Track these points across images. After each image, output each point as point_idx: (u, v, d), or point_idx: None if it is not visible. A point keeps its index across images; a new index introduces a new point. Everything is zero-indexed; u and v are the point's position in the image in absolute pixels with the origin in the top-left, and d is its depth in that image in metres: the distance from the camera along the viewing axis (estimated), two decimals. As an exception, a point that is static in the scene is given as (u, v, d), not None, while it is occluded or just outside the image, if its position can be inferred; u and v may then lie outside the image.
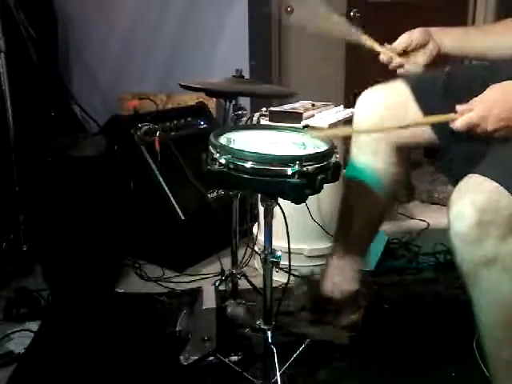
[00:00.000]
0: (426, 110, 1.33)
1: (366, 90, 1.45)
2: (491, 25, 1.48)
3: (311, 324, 1.54)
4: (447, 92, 1.32)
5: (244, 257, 2.03)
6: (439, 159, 1.40)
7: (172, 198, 2.08)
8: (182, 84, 1.47)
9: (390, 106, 1.38)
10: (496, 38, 1.36)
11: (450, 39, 1.35)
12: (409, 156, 1.51)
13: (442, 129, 1.30)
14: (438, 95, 1.33)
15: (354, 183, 1.46)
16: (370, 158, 1.42)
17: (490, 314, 1.01)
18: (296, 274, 1.76)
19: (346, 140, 1.56)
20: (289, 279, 1.33)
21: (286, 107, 2.03)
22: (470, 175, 1.02)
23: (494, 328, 1.02)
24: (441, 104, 1.30)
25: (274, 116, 1.95)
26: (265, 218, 1.26)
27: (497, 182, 0.97)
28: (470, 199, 0.97)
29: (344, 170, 1.46)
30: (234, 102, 1.52)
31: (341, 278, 1.53)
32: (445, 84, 1.33)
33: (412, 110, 1.35)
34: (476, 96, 1.18)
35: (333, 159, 1.17)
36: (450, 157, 1.32)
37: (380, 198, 1.45)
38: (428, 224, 2.49)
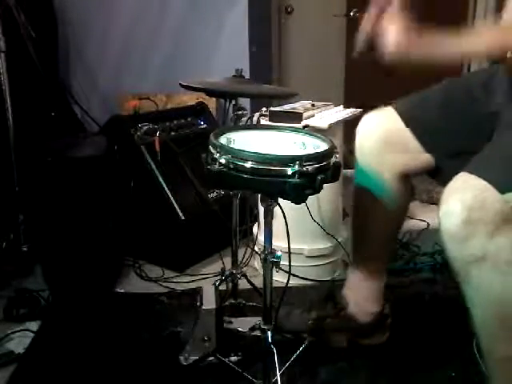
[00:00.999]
0: (421, 134, 1.35)
1: (363, 118, 1.47)
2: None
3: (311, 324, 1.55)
4: (444, 107, 1.33)
5: (244, 257, 2.03)
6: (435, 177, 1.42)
7: (172, 198, 2.08)
8: (183, 84, 1.46)
9: (388, 133, 1.40)
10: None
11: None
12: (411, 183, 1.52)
13: (437, 150, 1.33)
14: (432, 116, 1.35)
15: (365, 195, 1.46)
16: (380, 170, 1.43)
17: (483, 310, 1.01)
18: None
19: (348, 141, 1.56)
20: (289, 279, 1.33)
21: (286, 107, 2.03)
22: (460, 174, 1.03)
23: (488, 324, 1.02)
24: (436, 123, 1.32)
25: (274, 116, 1.95)
26: (265, 218, 1.26)
27: (484, 179, 0.98)
28: (458, 197, 0.98)
29: (344, 170, 1.47)
30: (233, 102, 1.52)
31: (363, 299, 1.53)
32: (441, 99, 1.35)
33: (408, 137, 1.37)
34: (479, 101, 1.19)
35: (333, 159, 1.17)
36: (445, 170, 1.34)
37: (391, 216, 1.46)
38: (428, 224, 2.49)
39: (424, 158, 1.37)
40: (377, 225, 1.48)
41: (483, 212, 0.95)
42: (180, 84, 1.48)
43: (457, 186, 1.01)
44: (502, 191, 0.96)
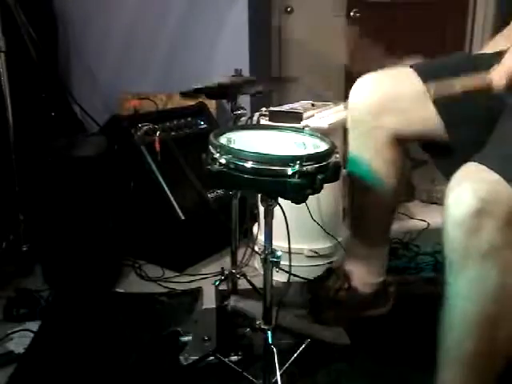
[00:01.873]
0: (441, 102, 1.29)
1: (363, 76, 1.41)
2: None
3: (311, 324, 1.55)
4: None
5: (244, 257, 2.03)
6: (439, 157, 1.37)
7: (172, 198, 2.08)
8: (183, 92, 1.46)
9: (394, 94, 1.35)
10: None
11: None
12: (408, 152, 1.49)
13: (452, 117, 1.29)
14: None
15: (358, 182, 1.46)
16: (369, 155, 1.41)
17: (474, 304, 0.99)
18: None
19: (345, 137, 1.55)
20: (289, 279, 1.33)
21: (286, 107, 2.03)
22: (471, 163, 1.00)
23: (469, 319, 1.00)
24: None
25: (274, 116, 1.95)
26: (265, 218, 1.26)
27: (498, 173, 0.96)
28: (472, 187, 0.95)
29: (344, 170, 1.46)
30: (233, 102, 1.52)
31: (365, 271, 1.52)
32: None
33: (422, 101, 1.30)
34: None
35: (333, 159, 1.17)
36: (452, 152, 1.30)
37: (384, 197, 1.44)
38: (428, 224, 2.49)
39: (431, 124, 1.31)
40: (372, 208, 1.47)
41: (495, 206, 0.93)
42: (180, 93, 1.48)
43: (468, 175, 0.98)
44: None
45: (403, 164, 1.45)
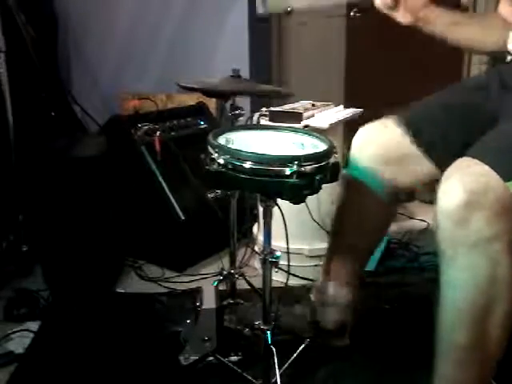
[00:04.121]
0: (426, 144, 1.33)
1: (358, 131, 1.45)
2: (481, 16, 1.49)
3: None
4: (447, 114, 1.32)
5: (244, 257, 2.03)
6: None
7: (172, 198, 2.08)
8: (180, 84, 1.46)
9: (389, 146, 1.38)
10: (483, 32, 1.38)
11: (441, 23, 1.37)
12: None
13: (444, 160, 1.31)
14: (436, 123, 1.33)
15: (356, 187, 1.45)
16: (376, 166, 1.42)
17: (463, 293, 1.00)
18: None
19: (348, 141, 1.55)
20: (288, 279, 1.33)
21: (286, 107, 2.03)
22: (463, 158, 1.02)
23: (462, 309, 1.01)
24: (440, 130, 1.31)
25: (273, 116, 1.95)
26: (264, 218, 1.26)
27: (488, 165, 0.97)
28: (461, 179, 0.97)
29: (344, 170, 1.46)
30: (231, 102, 1.52)
31: (333, 309, 1.51)
32: (442, 109, 1.34)
33: (408, 148, 1.35)
34: (479, 106, 1.18)
35: (332, 159, 1.17)
36: None
37: (383, 206, 1.44)
38: (428, 224, 2.48)
39: (426, 169, 1.34)
40: (366, 213, 1.46)
41: (484, 197, 0.95)
42: (178, 84, 1.48)
43: (459, 169, 1.00)
44: (506, 178, 0.96)
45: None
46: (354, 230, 1.48)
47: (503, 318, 1.00)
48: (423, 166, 1.34)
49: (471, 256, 0.97)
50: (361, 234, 1.48)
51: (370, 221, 1.47)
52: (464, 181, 0.97)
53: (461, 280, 1.00)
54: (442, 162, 1.30)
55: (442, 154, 1.29)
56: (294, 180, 1.08)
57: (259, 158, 1.10)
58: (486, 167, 0.97)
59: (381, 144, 1.39)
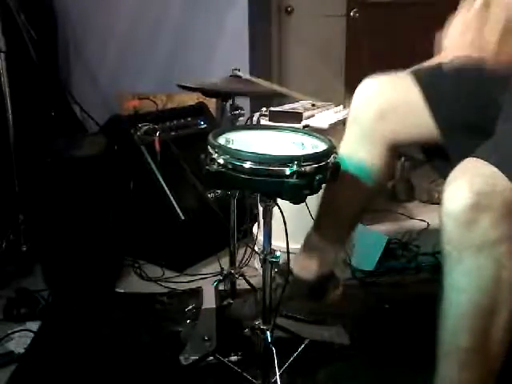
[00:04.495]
0: (436, 109, 1.30)
1: (368, 78, 1.41)
2: None
3: (310, 324, 1.55)
4: (459, 81, 1.28)
5: (244, 257, 2.03)
6: (437, 160, 1.39)
7: (172, 198, 2.08)
8: (179, 84, 1.47)
9: (394, 102, 1.36)
10: None
11: None
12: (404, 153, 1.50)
13: (446, 123, 1.29)
14: (448, 87, 1.29)
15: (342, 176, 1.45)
16: (362, 154, 1.41)
17: (467, 296, 0.99)
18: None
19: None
20: (287, 279, 1.33)
21: (286, 107, 2.03)
22: (469, 159, 1.00)
23: (466, 312, 1.00)
24: (453, 106, 1.29)
25: (273, 116, 1.95)
26: (264, 218, 1.26)
27: (496, 166, 0.96)
28: (468, 181, 0.96)
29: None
30: (230, 102, 1.52)
31: (311, 261, 1.50)
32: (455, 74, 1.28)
33: (418, 109, 1.32)
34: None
35: (331, 159, 1.17)
36: (448, 155, 1.31)
37: (367, 187, 1.44)
38: (428, 224, 2.49)
39: (427, 132, 1.32)
40: (350, 193, 1.43)
41: (491, 199, 0.93)
42: (177, 84, 1.48)
43: (465, 170, 0.99)
44: None
45: (393, 167, 1.46)
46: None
47: (507, 321, 1.00)
48: (425, 123, 1.31)
49: (477, 258, 0.96)
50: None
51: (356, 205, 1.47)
52: (471, 182, 0.95)
53: (465, 282, 0.99)
54: (445, 125, 1.29)
55: (448, 115, 1.28)
56: (293, 180, 1.08)
57: (259, 158, 1.10)
58: (494, 168, 0.96)
59: (389, 94, 1.37)
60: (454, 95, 1.29)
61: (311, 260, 1.50)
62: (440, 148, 1.33)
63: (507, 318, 0.99)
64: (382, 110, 1.36)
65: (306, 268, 1.50)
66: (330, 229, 1.50)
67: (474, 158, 1.00)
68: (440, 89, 1.32)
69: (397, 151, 1.44)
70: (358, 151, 1.41)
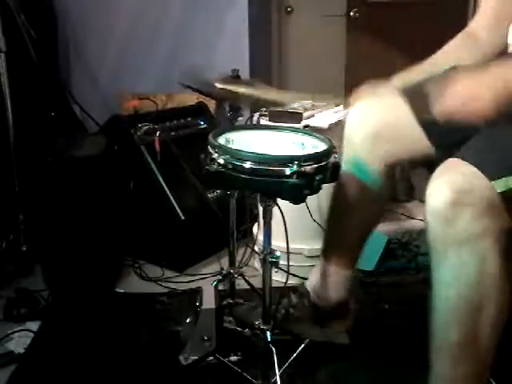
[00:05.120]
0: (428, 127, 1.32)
1: (358, 102, 1.43)
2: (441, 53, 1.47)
3: (310, 324, 1.55)
4: None
5: (244, 257, 2.03)
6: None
7: (172, 198, 2.08)
8: (182, 83, 1.47)
9: (386, 122, 1.37)
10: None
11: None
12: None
13: (440, 139, 1.31)
14: None
15: (350, 181, 1.45)
16: (370, 158, 1.42)
17: (454, 290, 1.02)
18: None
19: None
20: (287, 279, 1.33)
21: (286, 107, 2.03)
22: (450, 159, 1.04)
23: (453, 306, 1.03)
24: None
25: (273, 116, 1.95)
26: (264, 218, 1.26)
27: (474, 165, 0.99)
28: (448, 179, 0.99)
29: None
30: (230, 102, 1.52)
31: (327, 286, 1.52)
32: None
33: (411, 127, 1.34)
34: None
35: (331, 159, 1.17)
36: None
37: (378, 197, 1.45)
38: (428, 224, 2.48)
39: (421, 148, 1.34)
40: (359, 212, 1.46)
41: (471, 196, 0.97)
42: (181, 83, 1.48)
43: (446, 169, 1.03)
44: (491, 178, 0.98)
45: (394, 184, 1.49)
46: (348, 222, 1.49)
47: (495, 314, 1.02)
48: (419, 139, 1.33)
49: (460, 253, 0.99)
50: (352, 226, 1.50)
51: (360, 216, 1.48)
52: (451, 180, 0.99)
53: (452, 277, 1.02)
54: (439, 141, 1.31)
55: (440, 132, 1.27)
56: (294, 180, 1.08)
57: (259, 158, 1.10)
58: (472, 168, 0.99)
59: (378, 119, 1.38)
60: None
61: (327, 287, 1.52)
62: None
63: (494, 312, 1.02)
64: (375, 131, 1.38)
65: (322, 296, 1.52)
66: (340, 257, 1.51)
67: (455, 159, 1.03)
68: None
69: (395, 168, 1.46)
70: (366, 158, 1.42)
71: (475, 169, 0.99)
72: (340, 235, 1.52)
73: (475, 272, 0.99)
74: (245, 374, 1.40)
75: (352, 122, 1.43)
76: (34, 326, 1.71)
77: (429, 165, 1.40)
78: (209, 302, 1.55)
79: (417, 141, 1.35)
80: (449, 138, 1.28)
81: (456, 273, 1.01)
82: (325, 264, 1.53)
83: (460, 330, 1.04)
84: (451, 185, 0.98)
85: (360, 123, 1.41)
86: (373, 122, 1.39)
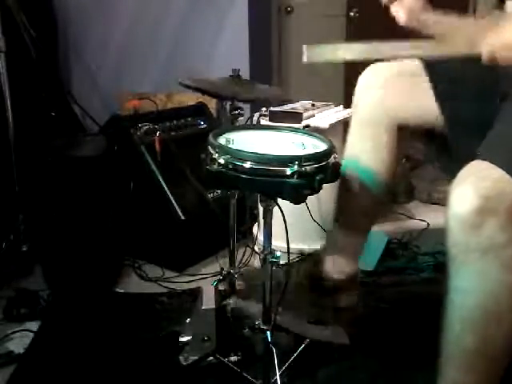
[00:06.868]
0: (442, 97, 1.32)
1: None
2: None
3: (310, 324, 1.55)
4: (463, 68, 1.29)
5: (244, 257, 2.03)
6: (440, 158, 1.39)
7: (172, 198, 2.08)
8: (182, 82, 1.46)
9: (399, 71, 1.39)
10: None
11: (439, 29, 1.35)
12: (405, 147, 1.50)
13: (452, 115, 1.30)
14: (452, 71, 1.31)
15: (349, 176, 1.46)
16: (366, 155, 1.42)
17: (473, 299, 1.00)
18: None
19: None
20: (287, 279, 1.33)
21: (286, 107, 2.03)
22: (476, 161, 1.00)
23: (471, 315, 1.01)
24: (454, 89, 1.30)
25: (273, 116, 1.95)
26: (264, 218, 1.26)
27: (503, 169, 0.96)
28: (475, 184, 0.96)
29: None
30: (230, 102, 1.52)
31: (342, 259, 1.53)
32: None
33: (422, 89, 1.34)
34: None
35: (332, 159, 1.17)
36: (453, 155, 1.31)
37: (374, 192, 1.45)
38: (428, 224, 2.48)
39: (431, 118, 1.34)
40: (360, 198, 1.48)
41: (499, 203, 0.93)
42: (180, 82, 1.48)
43: (473, 172, 0.99)
44: None
45: (398, 157, 1.48)
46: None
47: (511, 325, 1.00)
48: (429, 106, 1.33)
49: (483, 262, 0.96)
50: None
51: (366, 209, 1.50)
52: (478, 186, 0.95)
53: (471, 285, 0.99)
54: (449, 112, 1.31)
55: (453, 105, 1.29)
56: (294, 180, 1.08)
57: (259, 158, 1.10)
58: (500, 170, 0.96)
59: (395, 65, 1.40)
60: (460, 83, 1.29)
61: (340, 260, 1.53)
62: (443, 143, 1.34)
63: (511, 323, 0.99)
64: (388, 77, 1.39)
65: (336, 268, 1.53)
66: (352, 224, 1.52)
67: (481, 160, 1.00)
68: (445, 77, 1.32)
69: (400, 138, 1.44)
70: (363, 153, 1.42)
71: (502, 172, 0.96)
72: (347, 215, 1.53)
73: (496, 281, 0.97)
74: (245, 374, 1.40)
75: (364, 77, 1.46)
76: (34, 326, 1.71)
77: (430, 137, 1.40)
78: (209, 302, 1.55)
79: (428, 107, 1.33)
80: (463, 113, 1.27)
81: (475, 281, 0.98)
82: (338, 232, 1.53)
83: (475, 338, 1.01)
84: (478, 190, 0.94)
85: (374, 72, 1.43)
86: (387, 71, 1.40)
